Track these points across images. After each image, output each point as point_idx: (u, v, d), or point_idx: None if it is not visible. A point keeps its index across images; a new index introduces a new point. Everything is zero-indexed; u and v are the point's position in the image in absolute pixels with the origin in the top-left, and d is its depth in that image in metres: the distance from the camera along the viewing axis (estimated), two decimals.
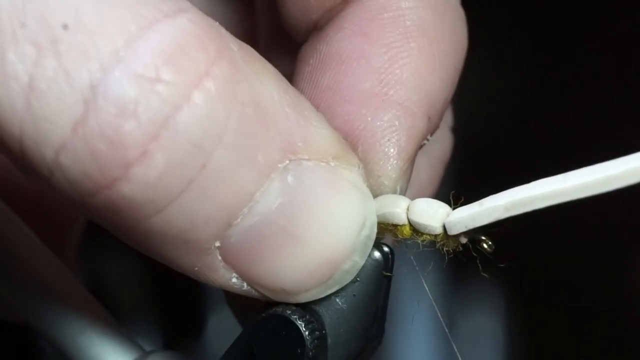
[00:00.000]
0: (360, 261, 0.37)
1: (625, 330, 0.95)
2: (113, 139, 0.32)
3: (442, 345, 0.91)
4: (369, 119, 0.41)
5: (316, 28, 0.45)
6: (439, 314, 0.44)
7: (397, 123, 0.41)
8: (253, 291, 0.37)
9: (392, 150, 0.41)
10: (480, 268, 0.38)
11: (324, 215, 0.36)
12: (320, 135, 0.37)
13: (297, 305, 0.38)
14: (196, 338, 0.58)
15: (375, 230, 0.38)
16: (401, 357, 0.91)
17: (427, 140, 0.43)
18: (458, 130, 0.52)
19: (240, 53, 0.35)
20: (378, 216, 0.39)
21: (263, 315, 0.38)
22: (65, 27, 0.32)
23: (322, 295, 0.37)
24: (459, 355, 0.42)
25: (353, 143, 0.41)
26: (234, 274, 0.36)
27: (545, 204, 0.35)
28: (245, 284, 0.37)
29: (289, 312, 0.37)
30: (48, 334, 0.43)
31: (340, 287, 0.37)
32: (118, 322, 0.44)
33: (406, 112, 0.41)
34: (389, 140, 0.41)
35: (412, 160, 0.42)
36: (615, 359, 0.95)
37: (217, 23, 0.35)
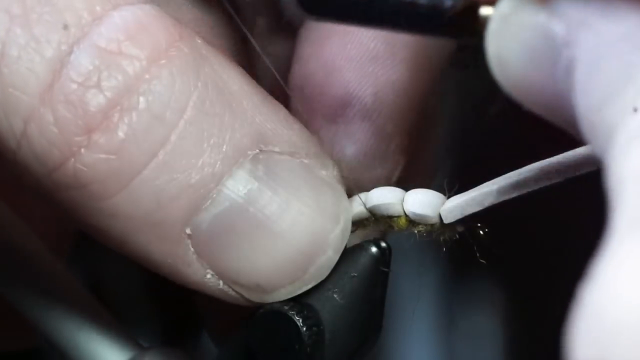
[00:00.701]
0: (334, 256, 0.37)
1: None
2: (77, 106, 0.33)
3: (441, 341, 0.91)
4: (379, 74, 0.42)
5: None
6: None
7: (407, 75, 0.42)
8: (229, 290, 0.37)
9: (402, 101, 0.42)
10: (478, 255, 0.38)
11: (298, 207, 0.36)
12: (293, 129, 0.37)
13: (294, 301, 0.38)
14: (194, 335, 0.58)
15: (350, 227, 0.38)
16: (399, 352, 0.91)
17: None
18: (455, 129, 0.52)
19: (205, 45, 0.36)
20: (373, 208, 0.39)
21: (260, 311, 0.38)
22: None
23: (299, 292, 0.37)
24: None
25: (363, 98, 0.42)
26: (209, 270, 0.36)
27: (538, 185, 0.35)
28: (220, 282, 0.36)
29: (286, 307, 0.37)
30: (45, 330, 0.43)
31: (316, 283, 0.37)
32: (116, 319, 0.44)
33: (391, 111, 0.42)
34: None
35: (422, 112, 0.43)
36: None
37: (182, 24, 0.36)
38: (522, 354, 0.94)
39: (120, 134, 0.34)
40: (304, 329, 0.37)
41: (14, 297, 0.43)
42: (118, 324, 0.44)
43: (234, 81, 0.36)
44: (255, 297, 0.37)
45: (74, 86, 0.33)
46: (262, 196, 0.36)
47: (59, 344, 0.43)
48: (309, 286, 0.37)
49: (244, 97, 0.36)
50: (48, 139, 0.33)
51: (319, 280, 0.37)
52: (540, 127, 0.30)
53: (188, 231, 0.35)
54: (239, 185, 0.35)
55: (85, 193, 0.34)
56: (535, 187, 0.35)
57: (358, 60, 0.42)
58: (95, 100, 0.33)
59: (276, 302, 0.38)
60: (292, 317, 0.37)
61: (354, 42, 0.42)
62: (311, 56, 0.43)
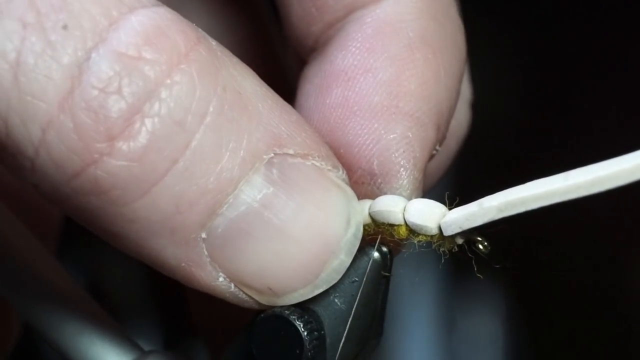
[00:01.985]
0: (347, 260, 0.37)
1: (626, 331, 0.95)
2: (98, 112, 0.33)
3: (441, 345, 0.91)
4: (382, 132, 0.41)
5: (317, 46, 0.45)
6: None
7: (410, 135, 0.41)
8: (240, 294, 0.37)
9: (407, 162, 0.41)
10: (476, 269, 0.38)
11: (311, 211, 0.36)
12: (305, 131, 0.37)
13: (295, 305, 0.38)
14: (195, 338, 0.58)
15: (362, 230, 0.38)
16: (400, 353, 0.91)
17: (437, 150, 0.43)
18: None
19: (219, 47, 0.36)
20: (376, 214, 0.39)
21: (262, 315, 0.38)
22: (51, 5, 0.33)
23: (310, 296, 0.37)
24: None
25: (368, 158, 0.41)
26: (221, 273, 0.36)
27: (538, 204, 0.35)
28: (232, 285, 0.36)
29: (287, 312, 0.37)
30: (47, 334, 0.43)
31: (327, 287, 0.37)
32: (117, 322, 0.44)
33: (417, 123, 0.41)
34: (403, 152, 0.41)
35: (425, 170, 0.42)
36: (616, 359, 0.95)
37: (195, 25, 0.36)
38: (522, 355, 0.94)
39: (143, 140, 0.33)
40: (305, 333, 0.37)
41: (14, 300, 0.43)
42: (119, 327, 0.44)
43: (249, 84, 0.36)
44: (266, 301, 0.37)
45: (95, 92, 0.33)
46: (277, 200, 0.36)
47: (60, 347, 0.43)
48: (321, 290, 0.37)
49: (259, 100, 0.36)
50: (68, 146, 0.33)
51: (330, 284, 0.37)
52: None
53: (203, 235, 0.35)
54: (254, 190, 0.35)
55: (106, 199, 0.34)
56: (535, 207, 0.35)
57: (360, 115, 0.42)
58: (117, 106, 0.33)
59: (277, 307, 0.38)
60: (294, 321, 0.37)
61: (356, 92, 0.42)
62: (313, 109, 0.43)
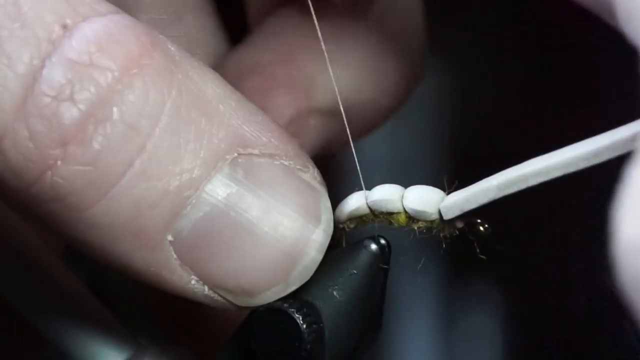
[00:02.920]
0: (318, 257, 0.37)
1: (626, 331, 0.95)
2: (51, 120, 0.33)
3: (440, 344, 0.91)
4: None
5: None
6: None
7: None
8: (215, 296, 0.37)
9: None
10: (478, 251, 0.38)
11: (279, 209, 0.36)
12: (271, 131, 0.37)
13: (294, 298, 0.38)
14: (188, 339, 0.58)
15: (332, 226, 0.38)
16: (399, 351, 0.91)
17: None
18: (455, 125, 0.52)
19: (178, 52, 0.36)
20: (374, 204, 0.39)
21: (260, 309, 0.38)
22: (6, 14, 0.33)
23: (283, 295, 0.37)
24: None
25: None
26: (193, 276, 0.36)
27: (538, 180, 0.35)
28: (205, 288, 0.37)
29: (286, 305, 0.37)
30: (44, 328, 0.43)
31: (300, 284, 0.37)
32: (115, 316, 0.44)
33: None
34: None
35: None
36: (616, 359, 0.95)
37: (155, 31, 0.36)
38: (521, 354, 0.94)
39: (96, 145, 0.34)
40: (304, 326, 0.37)
41: (12, 296, 0.43)
42: (117, 321, 0.44)
43: (209, 86, 0.36)
44: (241, 302, 0.37)
45: (47, 100, 0.33)
46: (243, 200, 0.36)
47: (58, 342, 0.43)
48: (294, 288, 0.37)
49: (220, 101, 0.36)
50: (24, 154, 0.33)
51: (303, 282, 0.37)
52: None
53: (170, 238, 0.35)
54: (218, 190, 0.35)
55: (64, 205, 0.34)
56: (535, 183, 0.35)
57: None
58: (69, 113, 0.33)
59: (276, 300, 0.38)
60: (292, 314, 0.37)
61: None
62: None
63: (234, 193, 0.36)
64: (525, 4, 0.97)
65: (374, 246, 0.38)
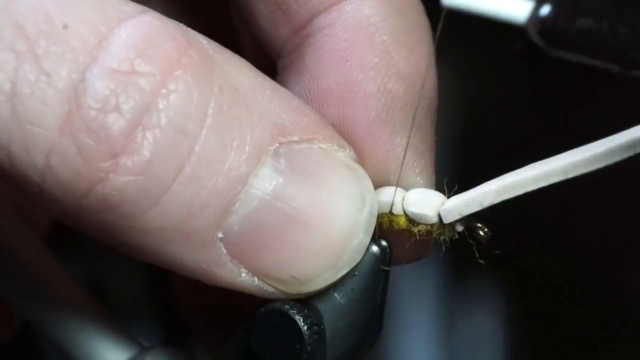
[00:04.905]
0: (366, 238, 0.37)
1: (627, 331, 0.95)
2: (98, 132, 0.33)
3: (441, 344, 0.91)
4: (388, 147, 0.41)
5: (284, 52, 0.45)
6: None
7: (415, 141, 0.41)
8: (265, 286, 0.37)
9: (421, 172, 0.41)
10: (477, 255, 0.38)
11: (324, 195, 0.36)
12: (307, 115, 0.37)
13: (295, 300, 0.38)
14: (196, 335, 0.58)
15: (377, 207, 0.38)
16: (399, 351, 0.91)
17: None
18: (458, 129, 0.52)
19: (210, 45, 0.36)
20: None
21: (261, 310, 0.38)
22: (40, 31, 0.33)
23: (335, 279, 0.37)
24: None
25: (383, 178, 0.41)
26: (243, 269, 0.36)
27: (537, 185, 0.36)
28: (255, 279, 0.37)
29: (287, 307, 0.37)
30: (46, 330, 0.43)
31: (350, 267, 0.37)
32: (118, 318, 0.44)
33: (417, 126, 0.41)
34: (415, 162, 0.41)
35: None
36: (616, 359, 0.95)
37: (183, 25, 0.36)
38: (522, 354, 0.94)
39: (146, 153, 0.33)
40: (305, 328, 0.37)
41: (13, 296, 0.43)
42: (119, 322, 0.44)
43: (244, 77, 0.36)
44: (292, 289, 0.37)
45: (93, 113, 0.33)
46: (288, 190, 0.36)
47: (60, 343, 0.43)
48: (344, 272, 0.37)
49: (257, 91, 0.36)
50: (73, 168, 0.33)
51: (353, 264, 0.37)
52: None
53: (220, 235, 0.35)
54: (264, 183, 0.35)
55: (117, 214, 0.34)
56: (534, 188, 0.35)
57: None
58: (117, 124, 0.33)
59: (277, 301, 0.38)
60: (293, 316, 0.37)
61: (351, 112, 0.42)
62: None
63: (280, 184, 0.36)
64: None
65: (375, 248, 0.39)
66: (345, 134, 0.41)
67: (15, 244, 0.43)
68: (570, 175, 0.35)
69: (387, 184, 0.40)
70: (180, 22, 0.36)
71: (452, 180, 0.39)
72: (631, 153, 0.33)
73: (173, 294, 0.52)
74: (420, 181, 0.41)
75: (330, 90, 0.42)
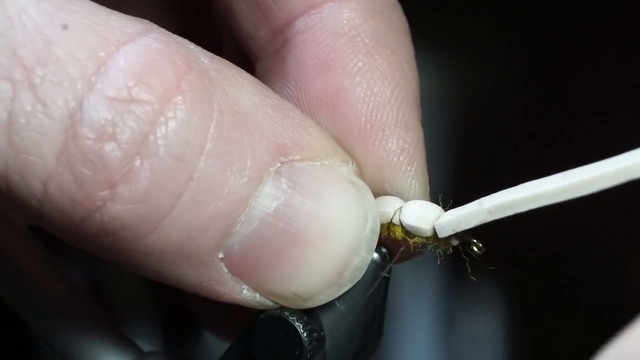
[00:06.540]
0: (368, 256, 0.37)
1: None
2: (95, 162, 0.33)
3: (441, 345, 0.91)
4: (381, 152, 0.40)
5: (263, 54, 0.44)
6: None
7: (406, 145, 0.41)
8: (267, 302, 0.37)
9: (416, 174, 0.41)
10: (470, 271, 0.38)
11: (325, 214, 0.36)
12: (309, 133, 0.37)
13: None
14: (195, 339, 0.58)
15: (379, 223, 0.38)
16: (400, 351, 0.91)
17: None
18: (455, 132, 0.52)
19: (212, 65, 0.35)
20: None
21: (261, 317, 0.38)
22: (37, 59, 0.32)
23: (336, 296, 0.37)
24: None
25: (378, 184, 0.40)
26: (244, 286, 0.36)
27: (528, 207, 0.35)
28: (257, 295, 0.37)
29: (286, 313, 0.37)
30: (45, 334, 0.43)
31: (352, 284, 0.37)
32: (117, 322, 0.44)
33: (406, 128, 0.41)
34: (408, 165, 0.41)
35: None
36: None
37: (185, 39, 0.35)
38: (522, 354, 0.94)
39: (144, 182, 0.33)
40: (305, 335, 0.37)
41: (12, 300, 0.43)
42: (118, 327, 0.44)
43: (246, 97, 0.35)
44: (294, 305, 0.37)
45: (90, 142, 0.32)
46: (289, 209, 0.35)
47: (59, 348, 0.43)
48: (346, 289, 0.37)
49: (258, 111, 0.35)
50: (70, 197, 0.33)
51: (355, 281, 0.37)
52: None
53: (221, 255, 0.35)
54: (266, 203, 0.35)
55: (116, 239, 0.34)
56: (524, 210, 0.35)
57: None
58: (114, 153, 0.33)
59: (276, 308, 0.38)
60: (293, 323, 0.37)
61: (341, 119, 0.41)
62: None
63: (281, 204, 0.35)
64: (526, 4, 0.97)
65: (375, 255, 0.38)
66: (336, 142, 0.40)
67: (14, 249, 0.43)
68: (559, 200, 0.34)
69: (382, 190, 0.40)
70: (161, 22, 0.36)
71: (452, 180, 0.39)
72: (619, 181, 0.33)
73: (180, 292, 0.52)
74: (415, 184, 0.40)
75: (318, 98, 0.41)
